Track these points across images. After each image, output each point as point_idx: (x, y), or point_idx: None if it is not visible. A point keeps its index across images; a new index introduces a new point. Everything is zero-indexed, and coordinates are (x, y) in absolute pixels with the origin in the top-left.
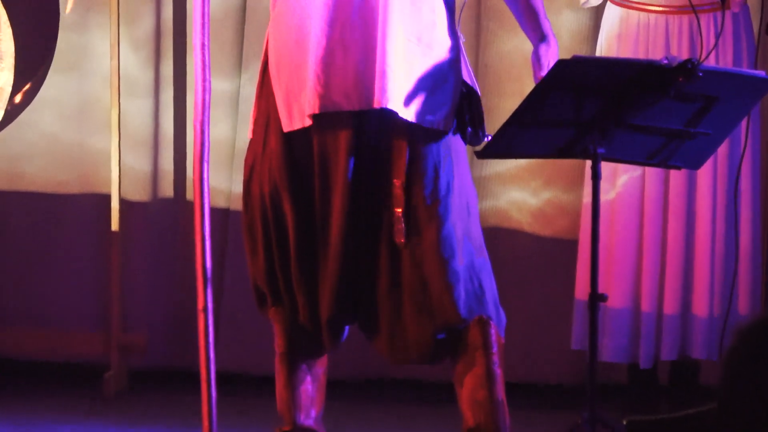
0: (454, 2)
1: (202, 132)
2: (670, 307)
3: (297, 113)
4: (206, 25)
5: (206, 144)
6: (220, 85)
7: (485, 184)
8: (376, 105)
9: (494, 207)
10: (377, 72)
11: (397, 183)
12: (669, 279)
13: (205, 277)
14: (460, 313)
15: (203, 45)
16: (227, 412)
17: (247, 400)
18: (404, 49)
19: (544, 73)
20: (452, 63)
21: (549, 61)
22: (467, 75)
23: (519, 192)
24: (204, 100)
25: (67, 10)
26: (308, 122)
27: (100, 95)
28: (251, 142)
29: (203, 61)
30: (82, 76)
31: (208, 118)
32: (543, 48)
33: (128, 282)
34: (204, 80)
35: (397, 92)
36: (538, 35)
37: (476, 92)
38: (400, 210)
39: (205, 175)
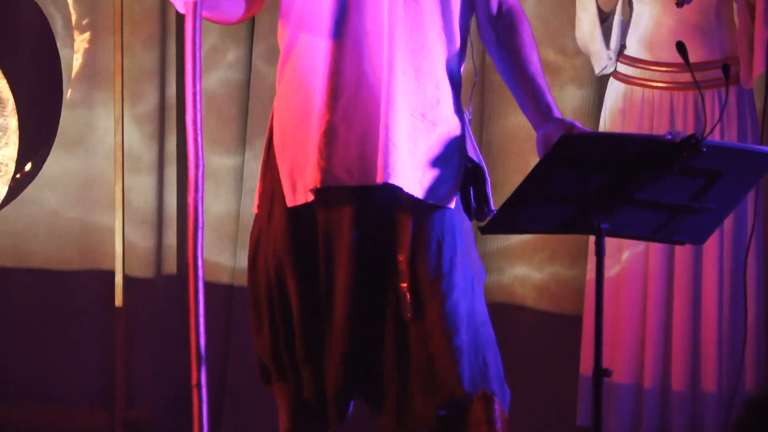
0: (460, 79)
1: (196, 209)
2: (679, 383)
3: (301, 188)
4: (198, 103)
5: (200, 221)
6: (225, 161)
7: (489, 260)
8: (378, 180)
9: (498, 282)
10: (380, 147)
11: (402, 258)
12: (676, 355)
13: (198, 354)
14: (464, 388)
15: (195, 122)
16: None
17: None
18: (408, 125)
19: None
20: (457, 139)
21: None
22: (472, 151)
23: (523, 267)
24: (198, 177)
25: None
26: (311, 197)
27: (104, 171)
28: (256, 216)
29: (195, 139)
30: (86, 152)
31: (202, 195)
32: (553, 128)
33: (133, 358)
34: (197, 158)
35: (401, 167)
36: (543, 113)
37: (482, 168)
38: (405, 285)
39: (199, 252)
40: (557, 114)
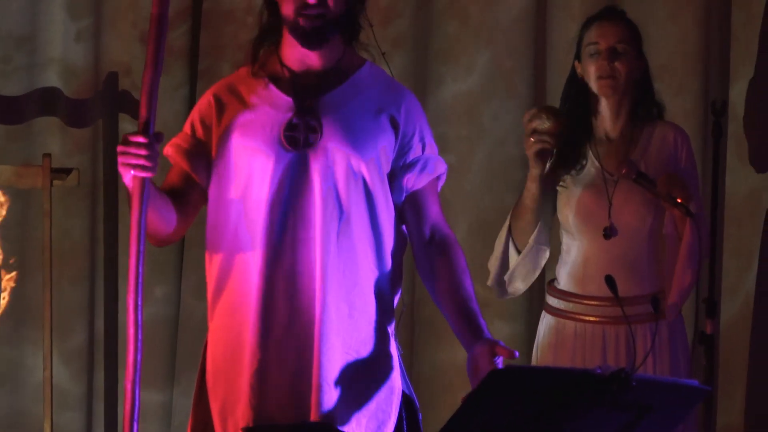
0: (393, 311)
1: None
2: None
3: (232, 426)
4: (139, 338)
5: None
6: (153, 397)
7: None
8: (312, 419)
9: None
10: (313, 386)
11: None
12: None
13: None
14: None
15: (135, 364)
16: None
17: None
18: (341, 363)
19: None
20: (390, 374)
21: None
22: (404, 383)
23: None
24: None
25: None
26: None
27: (31, 408)
28: None
29: (134, 379)
30: (13, 388)
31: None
32: (479, 349)
33: None
34: (134, 397)
35: (335, 405)
36: (474, 335)
37: (414, 401)
38: None
39: None
40: (488, 335)
